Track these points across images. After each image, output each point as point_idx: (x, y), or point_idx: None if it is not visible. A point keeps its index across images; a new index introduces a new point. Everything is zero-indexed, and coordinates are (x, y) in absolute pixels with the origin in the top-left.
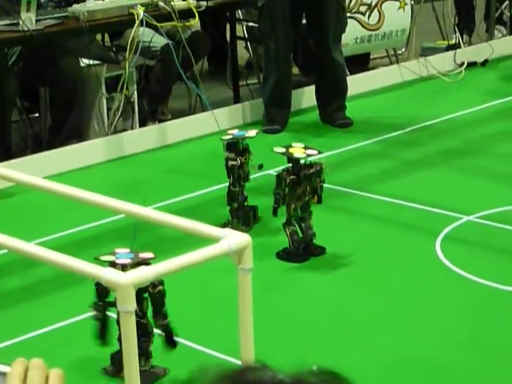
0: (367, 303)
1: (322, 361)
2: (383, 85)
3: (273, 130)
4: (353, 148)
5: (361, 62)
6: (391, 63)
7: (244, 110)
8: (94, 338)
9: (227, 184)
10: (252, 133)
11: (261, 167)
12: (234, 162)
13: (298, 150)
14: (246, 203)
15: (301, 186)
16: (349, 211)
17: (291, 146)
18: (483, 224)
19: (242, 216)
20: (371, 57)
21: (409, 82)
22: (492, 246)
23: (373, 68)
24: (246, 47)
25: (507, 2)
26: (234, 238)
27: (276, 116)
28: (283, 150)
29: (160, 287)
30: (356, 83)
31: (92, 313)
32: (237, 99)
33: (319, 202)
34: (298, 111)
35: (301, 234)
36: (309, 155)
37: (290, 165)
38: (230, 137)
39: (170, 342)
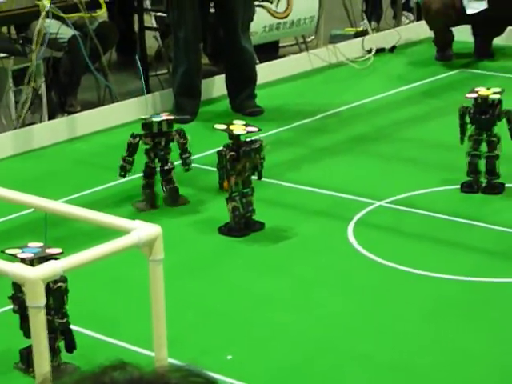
0: (283, 288)
1: (239, 343)
2: (293, 72)
3: (183, 119)
4: (264, 136)
5: (270, 50)
6: (300, 51)
7: (154, 101)
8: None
9: (137, 176)
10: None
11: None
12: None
13: (238, 127)
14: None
15: (240, 162)
16: (262, 200)
17: (232, 123)
18: (394, 209)
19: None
20: (280, 45)
21: (318, 69)
22: (403, 231)
23: (282, 56)
24: (155, 37)
25: None
26: (144, 230)
27: (186, 106)
28: (224, 126)
29: (61, 284)
30: (266, 71)
31: (11, 306)
32: (147, 89)
33: (259, 178)
34: (209, 100)
35: (242, 210)
36: (249, 132)
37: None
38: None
39: (68, 344)
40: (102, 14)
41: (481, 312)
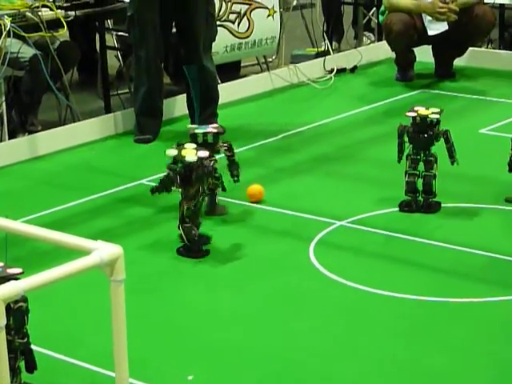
0: (244, 308)
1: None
2: (254, 92)
3: (144, 139)
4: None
5: (232, 70)
6: (262, 71)
7: (115, 120)
8: None
9: (99, 195)
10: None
11: None
12: None
13: (189, 152)
14: None
15: (194, 186)
16: (224, 219)
17: (183, 148)
18: (355, 228)
19: None
20: (242, 64)
21: (279, 89)
22: (363, 250)
23: (244, 76)
24: (117, 57)
25: (374, 8)
26: (105, 250)
27: (148, 125)
28: (175, 152)
29: (22, 304)
30: (227, 91)
31: None
32: (108, 109)
33: (223, 190)
34: (170, 120)
35: (196, 231)
36: (200, 157)
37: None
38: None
39: (29, 364)
40: (64, 33)
41: (440, 331)
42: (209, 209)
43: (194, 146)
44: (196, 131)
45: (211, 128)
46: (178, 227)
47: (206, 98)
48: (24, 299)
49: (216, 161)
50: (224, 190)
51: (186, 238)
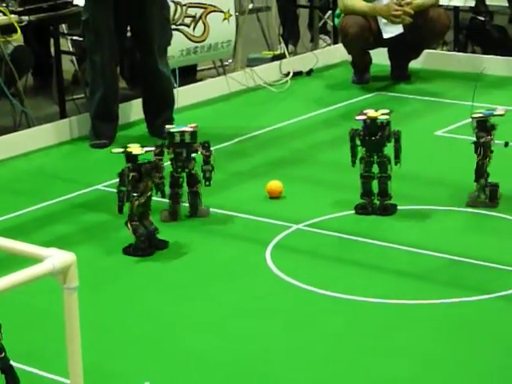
0: (200, 312)
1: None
2: (211, 96)
3: (100, 144)
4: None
5: (188, 74)
6: (218, 74)
7: (71, 125)
8: None
9: (53, 201)
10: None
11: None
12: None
13: (135, 149)
14: None
15: (142, 181)
16: (181, 224)
17: (128, 146)
18: (312, 232)
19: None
20: (198, 68)
21: (236, 93)
22: (320, 253)
23: (200, 80)
24: (72, 61)
25: (330, 11)
26: (58, 257)
27: (103, 130)
28: (121, 150)
29: None
30: (184, 95)
31: None
32: (63, 114)
33: (163, 196)
34: (126, 124)
35: (143, 229)
36: (148, 151)
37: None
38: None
39: (10, 378)
40: (18, 38)
41: (396, 333)
42: (191, 211)
43: (139, 145)
44: (172, 130)
45: (188, 127)
46: (126, 224)
47: (161, 103)
48: None
49: (161, 159)
50: (163, 196)
51: (133, 235)
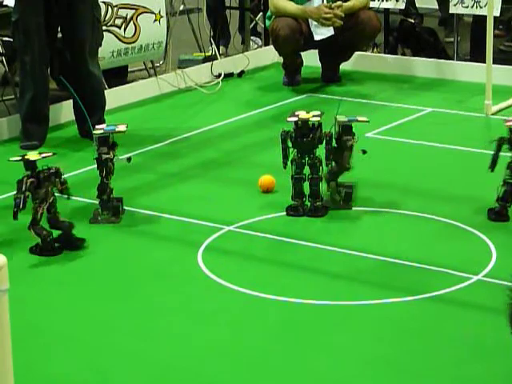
0: (130, 314)
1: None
2: (142, 97)
3: (31, 145)
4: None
5: (119, 75)
6: (149, 76)
7: (1, 127)
8: None
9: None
10: (122, 127)
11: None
12: (107, 156)
13: (33, 156)
14: (111, 196)
15: (42, 187)
16: (112, 226)
17: (26, 155)
18: (243, 233)
19: (112, 208)
20: (129, 69)
21: (167, 94)
22: (252, 255)
23: (131, 81)
24: (1, 62)
25: (261, 13)
26: None
27: (34, 132)
28: (19, 158)
29: None
30: (115, 96)
31: None
32: None
33: (68, 198)
34: (57, 126)
35: (47, 229)
36: (45, 157)
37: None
38: (101, 131)
39: None
40: None
41: (329, 334)
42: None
43: (37, 152)
44: (103, 133)
45: (121, 127)
46: (29, 228)
47: (92, 104)
48: None
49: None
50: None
51: (38, 237)
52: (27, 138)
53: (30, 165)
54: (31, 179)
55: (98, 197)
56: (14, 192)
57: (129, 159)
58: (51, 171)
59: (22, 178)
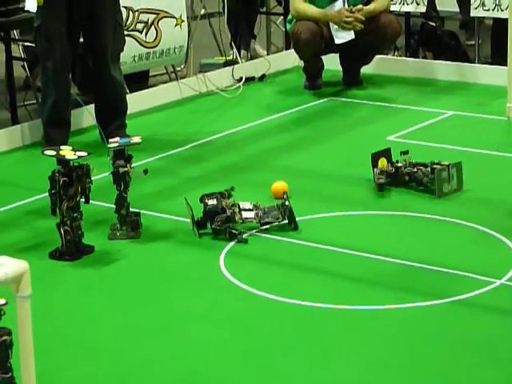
0: (152, 319)
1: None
2: (163, 102)
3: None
4: (135, 166)
5: (140, 80)
6: (170, 80)
7: (23, 132)
8: None
9: (4, 208)
10: (137, 139)
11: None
12: (124, 169)
13: (68, 152)
14: (129, 210)
15: (73, 186)
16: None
17: (61, 149)
18: (265, 237)
19: (130, 223)
20: (150, 74)
21: (188, 99)
22: (274, 259)
23: (153, 85)
24: (23, 67)
25: (282, 17)
26: (11, 266)
27: (55, 136)
28: (53, 152)
29: (6, 337)
30: (136, 101)
31: None
32: (14, 120)
33: (87, 201)
34: (78, 130)
35: (72, 234)
36: (80, 156)
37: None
38: (116, 144)
39: None
40: None
41: (348, 340)
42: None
43: (71, 147)
44: (118, 146)
45: (135, 139)
46: (57, 226)
47: (114, 109)
48: (8, 332)
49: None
50: (87, 201)
51: (62, 239)
52: (49, 143)
53: (64, 162)
54: (64, 178)
55: (115, 212)
56: (46, 191)
57: (145, 171)
58: (83, 170)
59: (53, 175)
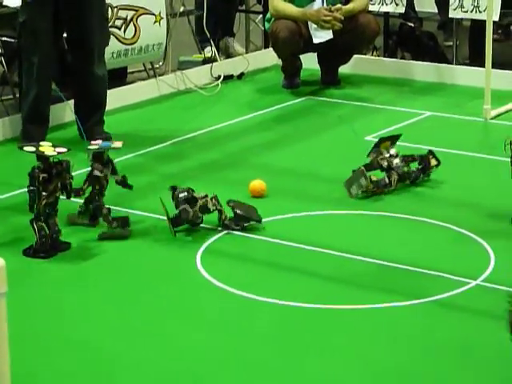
0: (131, 318)
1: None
2: (141, 99)
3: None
4: (116, 162)
5: (119, 76)
6: (149, 77)
7: (1, 127)
8: None
9: None
10: (118, 144)
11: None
12: (99, 174)
13: (47, 149)
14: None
15: (52, 182)
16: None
17: (40, 145)
18: (242, 236)
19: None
20: (129, 71)
21: (166, 96)
22: (251, 257)
23: (131, 82)
24: (0, 62)
25: (261, 16)
26: None
27: (34, 132)
28: (33, 148)
29: None
30: (114, 97)
31: None
32: None
33: (68, 197)
34: (57, 126)
35: (47, 230)
36: (59, 152)
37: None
38: (96, 147)
39: None
40: None
41: (325, 339)
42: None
43: (50, 143)
44: (99, 150)
45: (117, 144)
46: (31, 222)
47: (94, 104)
48: None
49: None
50: (69, 197)
51: (36, 235)
52: (27, 139)
53: (44, 158)
54: (44, 175)
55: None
56: (24, 186)
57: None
58: (63, 166)
59: (33, 171)
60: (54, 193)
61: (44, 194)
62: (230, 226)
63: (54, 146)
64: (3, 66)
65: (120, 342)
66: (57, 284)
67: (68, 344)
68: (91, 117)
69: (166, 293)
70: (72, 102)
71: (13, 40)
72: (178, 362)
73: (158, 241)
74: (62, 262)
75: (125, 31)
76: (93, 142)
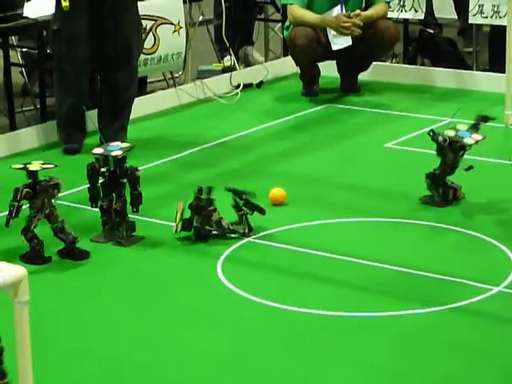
0: (151, 327)
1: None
2: (161, 108)
3: (72, 148)
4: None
5: (138, 86)
6: (168, 86)
7: (21, 138)
8: None
9: (3, 214)
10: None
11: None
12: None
13: (34, 166)
14: None
15: (38, 198)
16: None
17: (30, 163)
18: (263, 244)
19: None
20: (148, 80)
21: (186, 105)
22: (271, 265)
23: (151, 92)
24: (21, 73)
25: (280, 24)
26: (8, 271)
27: (74, 135)
28: (21, 165)
29: None
30: (134, 107)
31: None
32: (12, 126)
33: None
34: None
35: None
36: (45, 168)
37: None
38: (101, 151)
39: None
40: None
41: (346, 347)
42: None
43: (41, 161)
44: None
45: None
46: (21, 233)
47: (121, 110)
48: None
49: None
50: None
51: (29, 243)
52: (69, 141)
53: (31, 174)
54: (27, 189)
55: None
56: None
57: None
58: (50, 183)
59: (19, 187)
60: (42, 209)
61: (33, 210)
62: (236, 230)
63: (43, 163)
64: (24, 77)
65: (140, 352)
66: (76, 293)
67: (87, 353)
68: (114, 124)
69: (188, 301)
70: (92, 112)
71: (33, 51)
72: (199, 372)
73: (178, 249)
74: (82, 271)
75: (144, 41)
76: (96, 149)
